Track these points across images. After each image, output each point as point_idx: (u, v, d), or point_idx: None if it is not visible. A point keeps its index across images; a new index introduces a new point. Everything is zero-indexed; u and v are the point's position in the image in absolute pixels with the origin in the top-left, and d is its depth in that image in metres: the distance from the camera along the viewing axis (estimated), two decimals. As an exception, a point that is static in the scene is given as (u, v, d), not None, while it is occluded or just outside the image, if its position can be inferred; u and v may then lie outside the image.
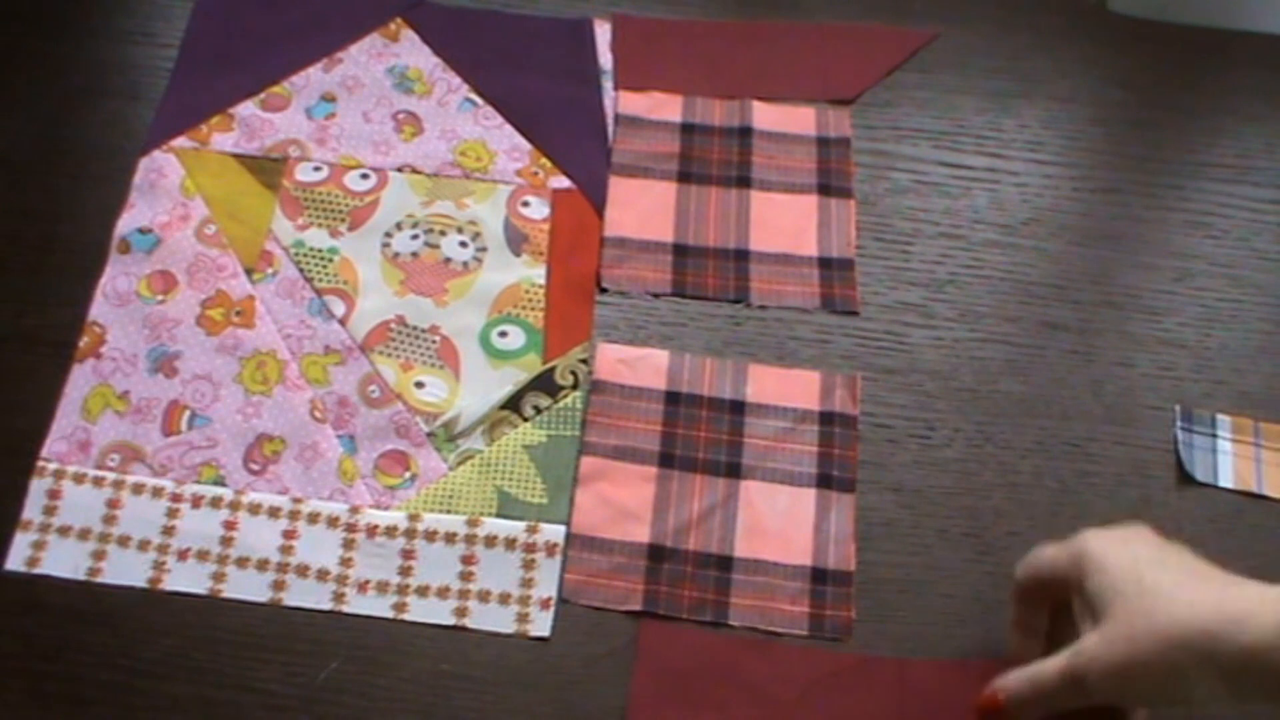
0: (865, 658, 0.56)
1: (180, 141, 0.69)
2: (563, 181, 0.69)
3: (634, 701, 0.54)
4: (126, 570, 0.56)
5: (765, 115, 0.72)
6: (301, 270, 0.65)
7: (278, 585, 0.56)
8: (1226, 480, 0.61)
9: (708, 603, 0.57)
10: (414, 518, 0.58)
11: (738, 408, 0.62)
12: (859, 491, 0.60)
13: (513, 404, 0.62)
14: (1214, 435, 0.62)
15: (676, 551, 0.58)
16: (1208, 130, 0.75)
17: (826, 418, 0.62)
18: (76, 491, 0.58)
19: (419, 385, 0.62)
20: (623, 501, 0.59)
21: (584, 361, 0.63)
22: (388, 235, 0.67)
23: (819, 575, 0.58)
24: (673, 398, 0.62)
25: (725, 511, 0.59)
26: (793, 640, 0.56)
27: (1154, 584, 0.45)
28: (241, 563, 0.57)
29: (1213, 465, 0.61)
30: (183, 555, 0.57)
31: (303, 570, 0.57)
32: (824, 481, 0.60)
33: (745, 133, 0.71)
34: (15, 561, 0.56)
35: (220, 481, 0.59)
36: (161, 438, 0.60)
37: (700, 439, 0.61)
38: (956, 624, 0.57)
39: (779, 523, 0.59)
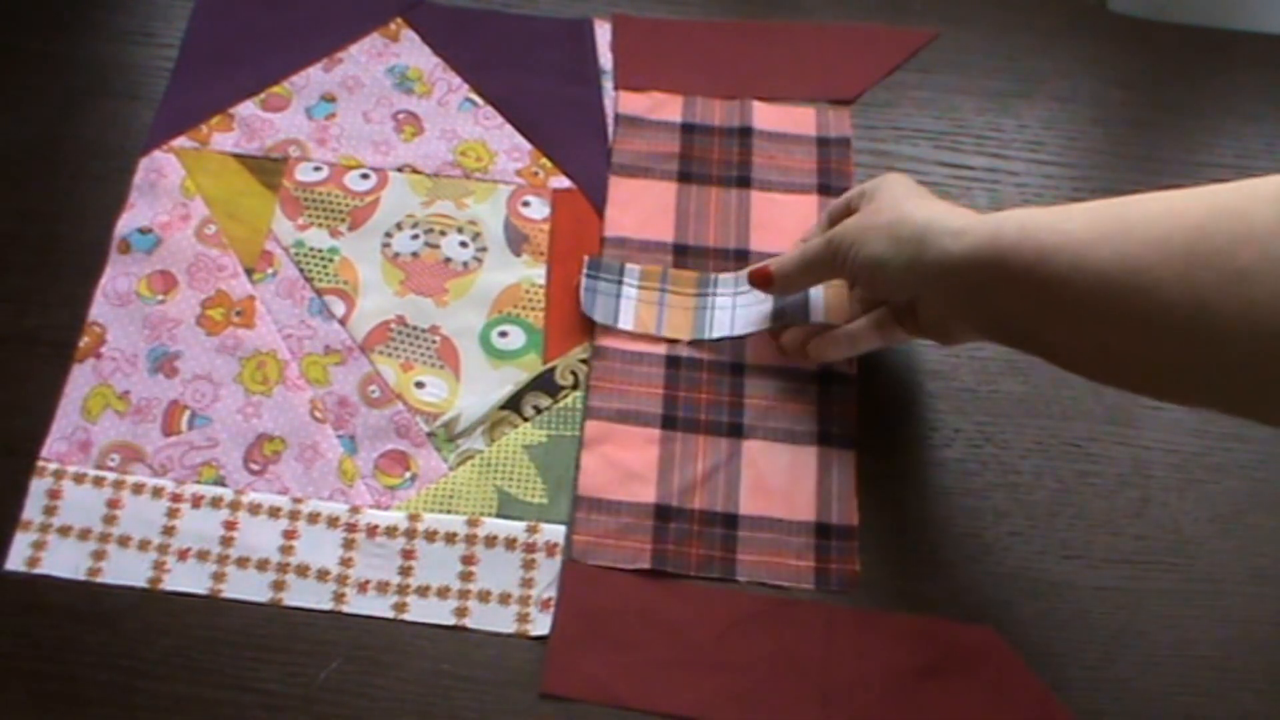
0: (789, 600, 0.57)
1: (180, 141, 0.69)
2: (563, 181, 0.69)
3: (555, 642, 0.55)
4: (126, 570, 0.56)
5: (765, 115, 0.72)
6: (301, 270, 0.65)
7: (278, 585, 0.56)
8: (627, 323, 0.63)
9: (715, 560, 0.57)
10: (414, 518, 0.58)
11: (738, 369, 0.63)
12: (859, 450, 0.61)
13: (513, 404, 0.62)
14: (620, 281, 0.64)
15: (683, 511, 0.59)
16: (1208, 130, 0.75)
17: (825, 377, 0.62)
18: (76, 491, 0.58)
19: (419, 385, 0.62)
20: (628, 463, 0.60)
21: (584, 361, 0.63)
22: (388, 235, 0.67)
23: (823, 530, 0.58)
24: (673, 361, 0.63)
25: (729, 470, 0.60)
26: (801, 594, 0.57)
27: (904, 192, 0.54)
28: (241, 563, 0.57)
29: (614, 309, 0.63)
30: (183, 555, 0.57)
31: (303, 570, 0.57)
32: (824, 439, 0.61)
33: (745, 133, 0.71)
34: (15, 561, 0.56)
35: (220, 481, 0.59)
36: (161, 438, 0.60)
37: (701, 400, 0.62)
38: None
39: (782, 480, 0.60)
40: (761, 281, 0.60)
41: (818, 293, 0.62)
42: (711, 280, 0.65)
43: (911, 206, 0.52)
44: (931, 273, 0.49)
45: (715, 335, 0.63)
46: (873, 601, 0.57)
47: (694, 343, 0.63)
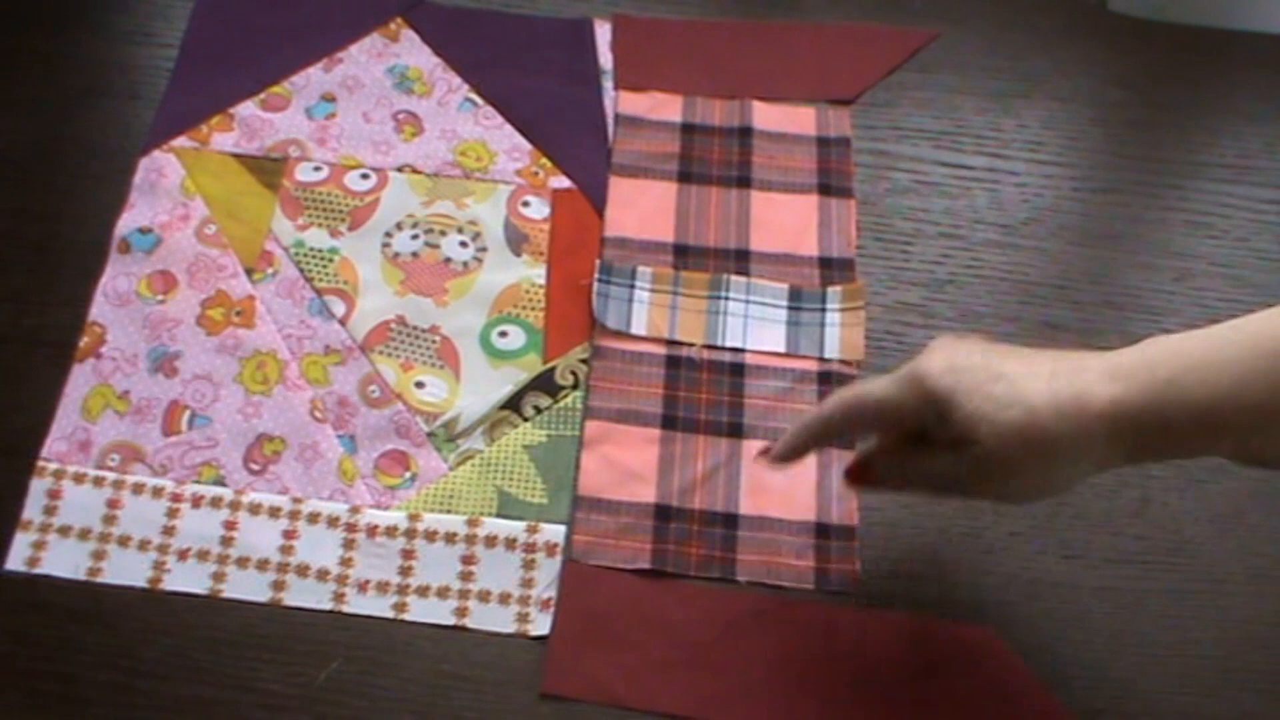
0: (789, 600, 0.57)
1: (180, 141, 0.69)
2: (563, 181, 0.69)
3: (555, 642, 0.55)
4: (126, 570, 0.56)
5: (765, 115, 0.72)
6: (301, 270, 0.65)
7: (278, 585, 0.56)
8: (640, 328, 0.63)
9: (715, 560, 0.57)
10: (414, 518, 0.58)
11: (737, 369, 0.63)
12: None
13: (513, 404, 0.62)
14: (632, 286, 0.64)
15: (683, 511, 0.59)
16: (1208, 130, 0.75)
17: (824, 377, 0.63)
18: (76, 491, 0.58)
19: (419, 385, 0.62)
20: (628, 463, 0.60)
21: (584, 361, 0.63)
22: (388, 235, 0.67)
23: (823, 530, 0.58)
24: (673, 361, 0.63)
25: (729, 471, 0.60)
26: (801, 594, 0.57)
27: (1007, 373, 0.45)
28: (241, 563, 0.57)
29: (627, 314, 0.64)
30: (183, 555, 0.57)
31: (303, 570, 0.57)
32: None
33: (745, 133, 0.71)
34: (15, 561, 0.56)
35: (220, 481, 0.59)
36: (162, 438, 0.60)
37: (701, 401, 0.62)
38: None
39: (782, 480, 0.60)
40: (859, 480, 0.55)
41: (833, 329, 0.63)
42: (724, 282, 0.65)
43: (1038, 437, 0.44)
44: (1098, 470, 0.46)
45: (729, 344, 0.63)
46: (873, 601, 0.57)
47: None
